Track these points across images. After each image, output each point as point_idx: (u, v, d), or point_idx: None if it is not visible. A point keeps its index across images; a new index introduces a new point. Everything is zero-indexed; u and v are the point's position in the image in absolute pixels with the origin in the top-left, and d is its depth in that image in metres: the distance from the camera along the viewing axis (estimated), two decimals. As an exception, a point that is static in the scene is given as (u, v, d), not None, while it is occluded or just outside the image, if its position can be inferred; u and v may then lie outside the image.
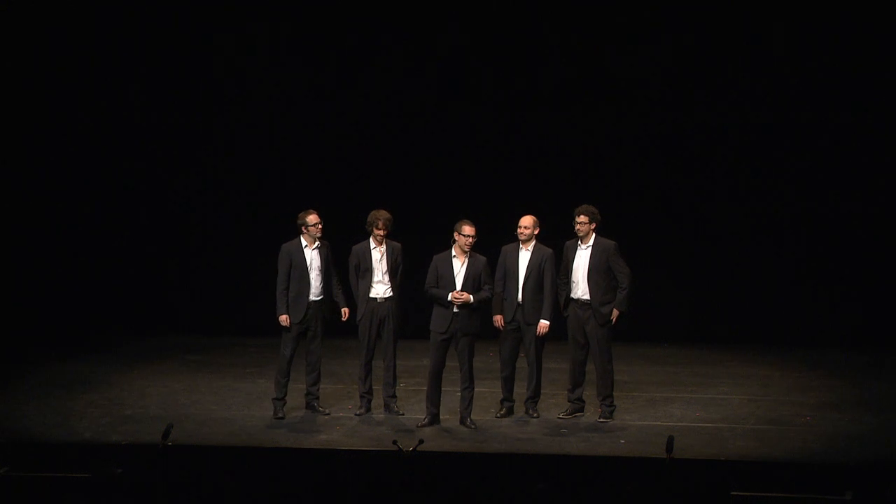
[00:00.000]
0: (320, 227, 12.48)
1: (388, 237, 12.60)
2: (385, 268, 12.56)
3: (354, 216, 12.96)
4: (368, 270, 12.56)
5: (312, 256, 12.49)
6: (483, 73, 16.50)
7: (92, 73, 16.58)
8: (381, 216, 12.52)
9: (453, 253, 12.14)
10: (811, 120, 16.03)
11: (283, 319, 12.46)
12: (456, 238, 12.10)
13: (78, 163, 16.70)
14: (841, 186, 16.09)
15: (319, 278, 12.51)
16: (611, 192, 16.18)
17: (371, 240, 12.59)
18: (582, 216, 12.31)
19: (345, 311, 12.70)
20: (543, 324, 12.39)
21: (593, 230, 12.35)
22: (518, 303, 12.40)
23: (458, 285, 12.03)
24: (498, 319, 12.45)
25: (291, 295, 12.45)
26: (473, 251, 12.14)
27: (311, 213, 12.49)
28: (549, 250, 12.46)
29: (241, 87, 16.74)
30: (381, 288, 12.59)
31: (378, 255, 12.57)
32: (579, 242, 12.39)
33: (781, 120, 16.11)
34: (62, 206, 16.68)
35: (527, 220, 12.44)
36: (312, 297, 12.49)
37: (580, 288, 12.36)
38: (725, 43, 16.06)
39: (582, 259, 12.35)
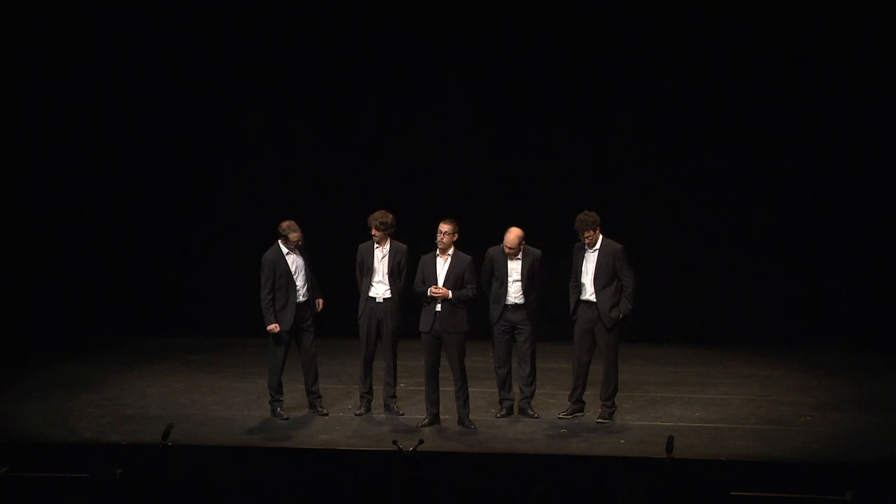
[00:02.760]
0: (301, 241, 12.45)
1: (395, 238, 12.59)
2: (386, 269, 12.56)
3: (356, 216, 12.97)
4: (370, 270, 12.58)
5: (295, 260, 12.49)
6: (486, 73, 16.48)
7: (93, 74, 16.55)
8: (374, 219, 12.51)
9: (437, 252, 12.16)
10: (811, 118, 16.02)
11: (274, 328, 12.44)
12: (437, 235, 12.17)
13: (77, 163, 16.68)
14: (841, 186, 16.08)
15: (305, 279, 12.52)
16: (610, 191, 16.18)
17: (373, 238, 12.61)
18: (587, 231, 12.27)
19: (319, 301, 12.67)
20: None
21: (600, 233, 12.35)
22: (507, 305, 12.42)
23: (440, 283, 12.05)
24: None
25: (280, 304, 12.42)
26: (459, 250, 12.14)
27: (294, 231, 12.40)
28: (538, 251, 12.48)
29: (244, 86, 16.71)
30: (380, 288, 12.59)
31: (380, 255, 12.57)
32: (586, 245, 12.39)
33: (781, 119, 16.10)
34: (62, 206, 16.66)
35: (512, 241, 12.35)
36: (301, 299, 12.50)
37: (588, 291, 12.37)
38: (724, 42, 16.04)
39: (590, 263, 12.36)
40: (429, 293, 12.04)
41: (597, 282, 12.29)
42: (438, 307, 12.08)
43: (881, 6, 15.59)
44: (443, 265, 12.13)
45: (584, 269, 12.38)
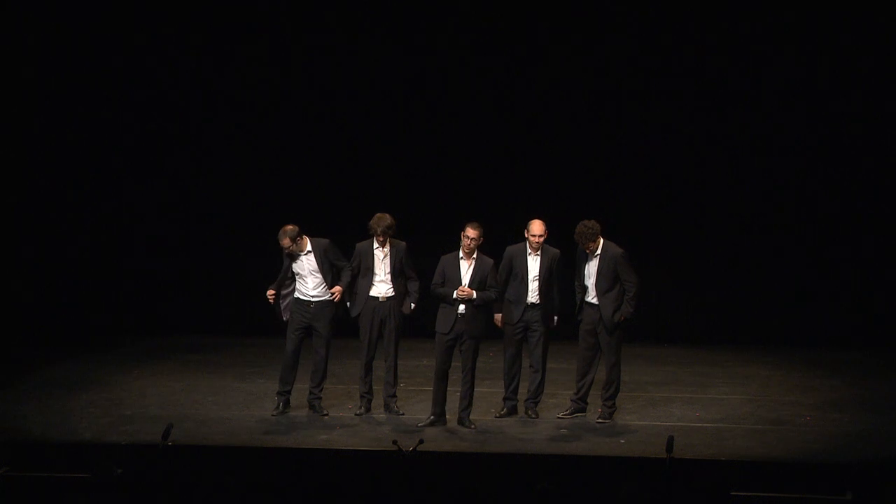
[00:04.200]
0: (289, 250, 12.41)
1: (394, 236, 12.61)
2: (388, 268, 12.56)
3: (358, 215, 12.97)
4: (370, 269, 12.57)
5: (302, 263, 12.49)
6: (493, 74, 16.50)
7: (89, 74, 16.56)
8: (380, 224, 12.50)
9: (460, 254, 12.15)
10: (811, 119, 16.03)
11: (269, 293, 12.48)
12: (462, 239, 12.13)
13: (77, 163, 16.69)
14: (841, 186, 16.09)
15: (313, 280, 12.50)
16: (611, 191, 16.21)
17: (374, 239, 12.60)
18: (589, 243, 12.26)
19: (336, 288, 12.59)
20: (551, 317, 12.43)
21: (601, 240, 12.32)
22: (527, 305, 12.42)
23: (465, 285, 12.05)
24: (498, 318, 12.47)
25: (286, 290, 12.54)
26: (481, 253, 12.15)
27: (281, 238, 12.40)
28: (556, 251, 12.49)
29: (246, 86, 16.72)
30: (383, 287, 12.59)
31: (381, 255, 12.57)
32: (588, 252, 12.39)
33: (781, 119, 16.11)
34: (62, 206, 16.67)
35: (539, 228, 12.42)
36: (311, 298, 12.50)
37: (591, 294, 12.37)
38: (726, 45, 16.06)
39: (592, 267, 12.35)
40: (455, 295, 12.03)
41: (599, 286, 12.29)
42: (462, 309, 12.07)
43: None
44: (467, 268, 12.12)
45: (586, 272, 12.37)
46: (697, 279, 16.35)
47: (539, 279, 12.41)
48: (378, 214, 12.59)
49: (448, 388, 12.31)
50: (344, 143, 16.74)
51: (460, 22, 16.37)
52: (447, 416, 12.25)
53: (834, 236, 16.10)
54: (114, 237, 16.84)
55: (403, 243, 12.66)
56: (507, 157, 16.54)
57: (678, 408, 12.96)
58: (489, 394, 12.98)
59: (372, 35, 16.46)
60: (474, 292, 12.02)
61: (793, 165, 16.16)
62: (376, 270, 12.55)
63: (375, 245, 12.59)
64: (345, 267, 12.61)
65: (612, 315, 12.28)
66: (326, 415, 12.57)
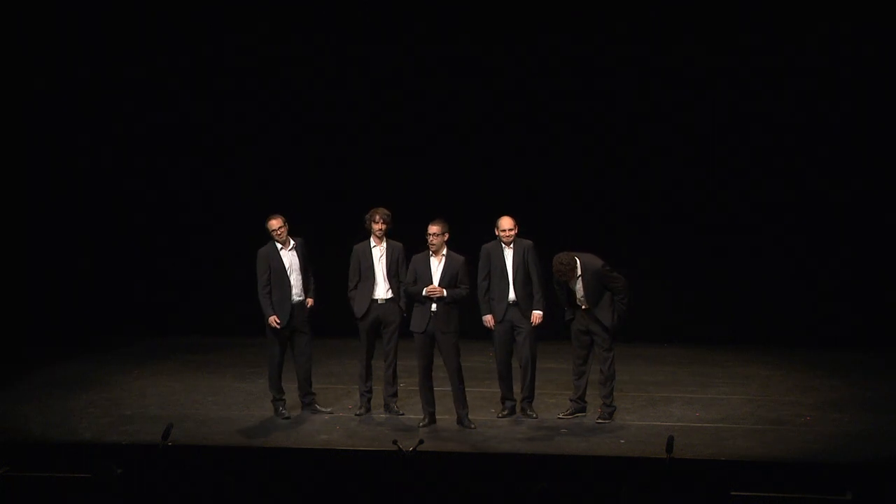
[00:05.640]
0: (282, 231, 12.41)
1: (390, 237, 12.59)
2: (385, 268, 12.55)
3: (353, 216, 12.97)
4: (370, 269, 12.57)
5: (290, 257, 12.49)
6: (483, 73, 16.50)
7: (87, 72, 16.57)
8: (377, 210, 12.53)
9: (430, 252, 12.16)
10: (810, 118, 16.02)
11: (273, 320, 12.43)
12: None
13: (77, 163, 16.69)
14: (839, 186, 16.08)
15: (300, 278, 12.50)
16: (610, 191, 16.20)
17: (371, 238, 12.60)
18: (571, 278, 12.25)
19: (308, 300, 12.58)
20: (536, 314, 12.42)
21: (577, 263, 12.31)
22: (509, 301, 12.43)
23: (435, 283, 12.05)
24: (488, 319, 12.45)
25: (275, 298, 12.43)
26: (451, 250, 12.14)
27: (271, 219, 12.42)
28: (529, 242, 12.48)
29: (241, 85, 16.72)
30: (381, 288, 12.59)
31: (378, 254, 12.57)
32: None
33: (779, 118, 16.10)
34: (62, 206, 16.67)
35: (508, 223, 12.43)
36: (296, 298, 12.50)
37: (584, 304, 12.36)
38: (722, 43, 16.05)
39: (577, 286, 12.33)
40: (424, 293, 12.03)
41: (590, 301, 12.30)
42: (434, 307, 12.08)
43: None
44: (437, 265, 12.13)
45: (572, 290, 12.35)
46: (697, 279, 16.32)
47: (516, 272, 12.38)
48: (372, 208, 12.60)
49: (441, 388, 12.32)
50: (343, 145, 16.74)
51: (450, 23, 16.38)
52: (446, 416, 12.26)
53: (834, 236, 16.08)
54: (114, 237, 16.83)
55: (400, 244, 12.66)
56: (491, 156, 16.52)
57: (678, 408, 12.96)
58: (489, 394, 12.98)
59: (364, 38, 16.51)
60: (444, 290, 12.02)
61: (793, 165, 16.14)
62: (375, 270, 12.55)
63: (373, 243, 12.59)
64: (312, 271, 12.57)
65: (612, 319, 12.30)
66: (330, 412, 12.57)
